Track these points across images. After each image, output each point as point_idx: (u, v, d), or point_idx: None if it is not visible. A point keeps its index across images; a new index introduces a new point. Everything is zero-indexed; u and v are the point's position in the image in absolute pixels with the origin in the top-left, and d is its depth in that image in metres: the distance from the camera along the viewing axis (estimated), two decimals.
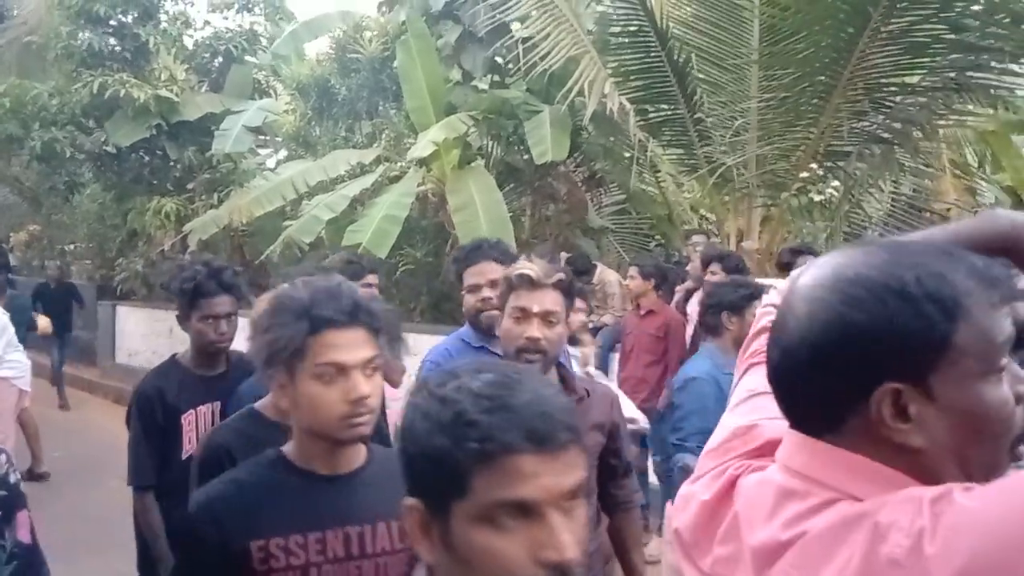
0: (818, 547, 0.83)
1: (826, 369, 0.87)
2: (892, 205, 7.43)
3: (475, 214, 7.48)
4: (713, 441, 1.11)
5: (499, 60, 8.40)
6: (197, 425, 2.66)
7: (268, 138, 11.75)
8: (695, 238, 6.47)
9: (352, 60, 10.00)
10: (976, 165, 9.10)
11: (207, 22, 12.19)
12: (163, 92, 10.59)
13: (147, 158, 11.53)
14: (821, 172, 6.67)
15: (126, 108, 10.43)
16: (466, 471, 0.89)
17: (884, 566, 0.78)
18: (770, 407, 1.02)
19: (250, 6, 12.18)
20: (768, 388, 0.99)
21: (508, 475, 0.89)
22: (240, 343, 2.22)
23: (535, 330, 2.05)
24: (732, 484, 0.99)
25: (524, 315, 2.07)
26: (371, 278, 4.21)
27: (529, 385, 0.94)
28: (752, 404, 1.14)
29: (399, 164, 8.78)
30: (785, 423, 0.97)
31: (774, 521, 0.88)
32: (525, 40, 6.70)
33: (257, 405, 2.07)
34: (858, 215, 7.38)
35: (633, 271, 6.49)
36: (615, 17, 7.15)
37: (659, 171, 8.11)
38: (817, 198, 6.12)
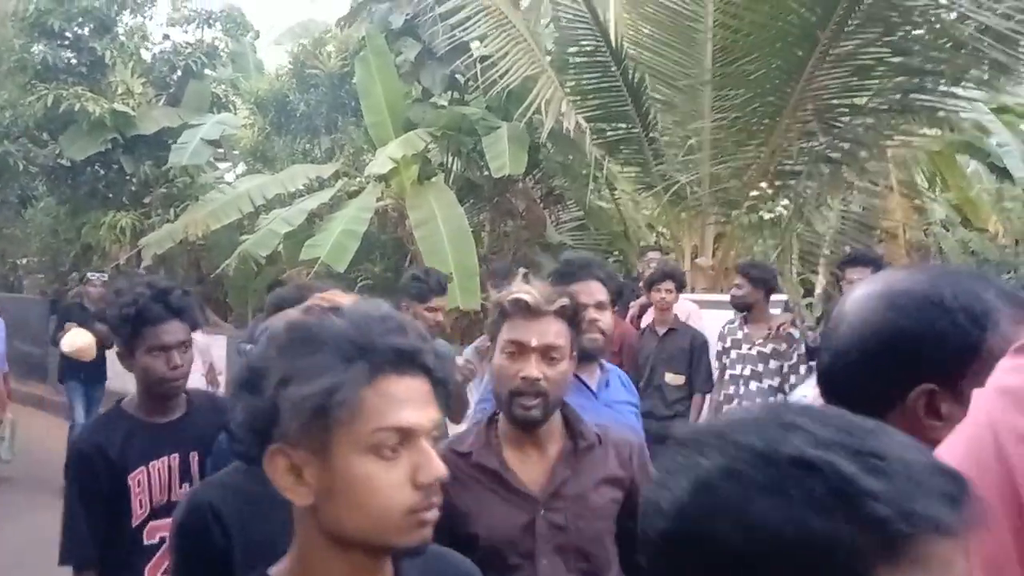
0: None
1: (873, 368, 0.98)
2: (842, 223, 7.59)
3: (436, 229, 7.51)
4: None
5: (458, 77, 8.46)
6: (150, 485, 2.19)
7: (225, 151, 11.67)
8: (650, 255, 6.56)
9: (311, 75, 9.99)
10: (925, 185, 9.35)
11: (166, 36, 12.10)
12: (119, 106, 10.47)
13: (102, 172, 11.36)
14: (771, 191, 6.80)
15: (81, 122, 10.30)
16: None
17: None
18: None
19: (210, 21, 12.12)
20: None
21: None
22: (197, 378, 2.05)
23: (533, 368, 1.67)
24: None
25: (520, 350, 1.69)
26: (438, 301, 3.36)
27: None
28: None
29: (358, 179, 8.79)
30: None
31: None
32: (484, 59, 6.76)
33: None
34: (808, 233, 7.53)
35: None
36: (572, 37, 7.26)
37: (615, 188, 8.22)
38: (767, 216, 6.25)
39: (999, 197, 10.94)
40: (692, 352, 5.03)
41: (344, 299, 1.42)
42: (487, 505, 1.68)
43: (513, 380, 1.69)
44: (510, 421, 1.71)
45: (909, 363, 0.96)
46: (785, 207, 7.35)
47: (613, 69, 6.99)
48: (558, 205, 9.90)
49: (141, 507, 2.20)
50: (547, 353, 1.70)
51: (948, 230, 10.66)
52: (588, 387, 2.37)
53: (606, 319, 2.37)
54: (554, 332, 1.72)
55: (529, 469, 1.71)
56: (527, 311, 1.73)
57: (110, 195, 11.28)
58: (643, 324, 5.93)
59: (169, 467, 2.22)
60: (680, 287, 5.26)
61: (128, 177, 11.24)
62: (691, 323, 5.32)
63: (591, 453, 1.76)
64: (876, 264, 4.57)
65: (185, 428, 2.25)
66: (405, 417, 0.93)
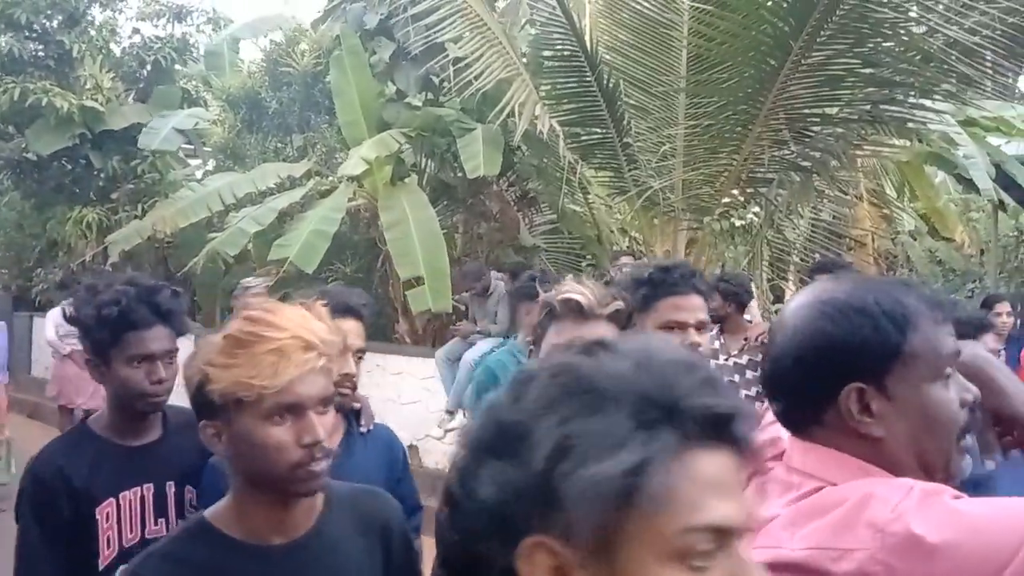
0: (808, 510, 1.01)
1: (806, 371, 1.07)
2: (812, 231, 7.66)
3: (407, 231, 7.47)
4: None
5: (433, 78, 8.43)
6: (120, 519, 1.86)
7: (195, 148, 11.54)
8: (622, 259, 6.58)
9: (284, 73, 9.91)
10: (894, 194, 9.48)
11: (136, 30, 11.94)
12: (88, 102, 10.32)
13: (69, 167, 11.19)
14: (743, 198, 6.86)
15: (48, 116, 10.13)
16: None
17: (862, 525, 0.93)
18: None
19: (182, 15, 11.97)
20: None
21: None
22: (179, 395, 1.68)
23: None
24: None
25: None
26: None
27: None
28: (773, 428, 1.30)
29: (330, 178, 8.71)
30: None
31: (775, 503, 1.07)
32: (458, 60, 6.73)
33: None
34: (779, 240, 7.59)
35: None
36: (547, 41, 7.25)
37: (589, 193, 8.23)
38: (739, 222, 6.29)
39: (965, 208, 11.16)
40: None
41: (281, 308, 1.29)
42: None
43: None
44: None
45: (838, 365, 1.05)
46: (756, 214, 7.42)
47: (588, 74, 6.98)
48: (532, 208, 9.90)
49: (109, 546, 1.85)
50: None
51: (916, 239, 10.83)
52: None
53: (707, 344, 2.11)
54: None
55: None
56: (578, 313, 1.58)
57: (77, 190, 11.13)
58: None
59: (142, 499, 1.90)
60: None
61: (96, 172, 11.08)
62: None
63: None
64: (843, 272, 4.64)
65: (162, 453, 1.92)
66: (724, 512, 0.67)
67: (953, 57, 5.74)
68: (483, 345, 6.66)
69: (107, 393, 1.92)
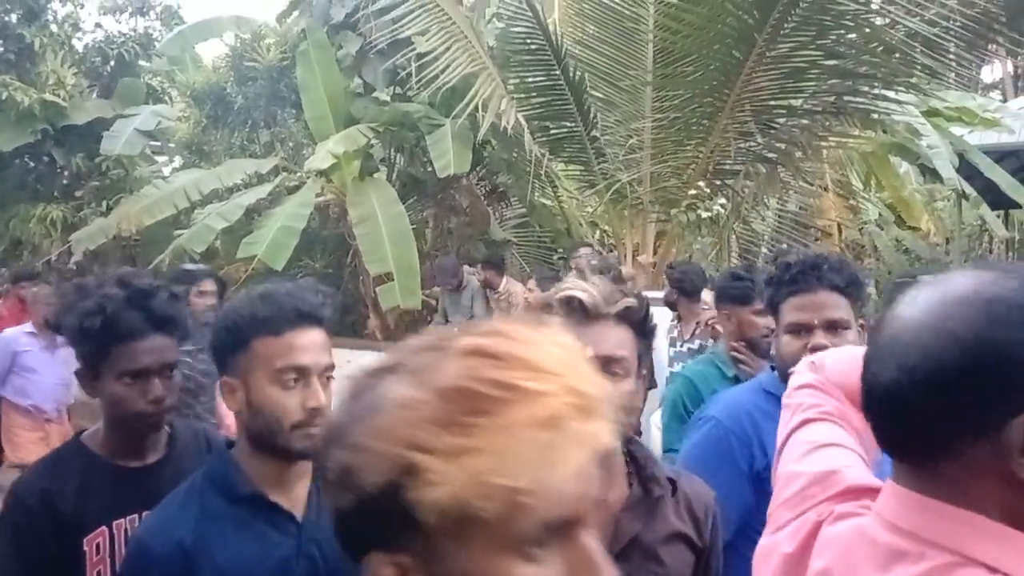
0: None
1: (954, 391, 0.78)
2: (778, 222, 7.73)
3: (376, 226, 7.42)
4: (787, 490, 1.03)
5: (400, 72, 8.38)
6: (113, 551, 1.61)
7: (161, 144, 11.38)
8: (581, 250, 6.63)
9: (249, 68, 9.79)
10: (860, 185, 9.58)
11: (98, 25, 11.74)
12: (50, 96, 10.14)
13: (32, 163, 10.99)
14: (710, 190, 6.89)
15: (9, 112, 9.94)
16: None
17: None
18: (842, 458, 1.01)
19: (144, 10, 11.79)
20: (837, 440, 1.01)
21: None
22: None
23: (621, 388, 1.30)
24: (815, 531, 0.93)
25: (603, 365, 1.28)
26: (206, 284, 3.86)
27: None
28: (822, 455, 1.07)
29: (298, 174, 8.64)
30: (864, 471, 0.96)
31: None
32: (424, 55, 6.70)
33: None
34: (746, 231, 7.66)
35: (531, 283, 6.59)
36: (514, 34, 7.24)
37: (558, 186, 8.25)
38: (706, 214, 6.34)
39: (930, 197, 11.30)
40: None
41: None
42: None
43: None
44: None
45: (1009, 388, 0.76)
46: (723, 206, 7.46)
47: (555, 68, 6.99)
48: (502, 202, 9.90)
49: None
50: (606, 367, 1.29)
51: (882, 229, 10.96)
52: None
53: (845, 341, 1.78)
54: (615, 341, 1.33)
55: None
56: (582, 313, 1.34)
57: (40, 188, 10.92)
58: None
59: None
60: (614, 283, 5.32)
61: (59, 169, 10.90)
62: None
63: (662, 503, 1.39)
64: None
65: (164, 476, 1.64)
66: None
67: (916, 49, 5.82)
68: None
69: (102, 410, 1.68)
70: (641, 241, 7.12)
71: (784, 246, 8.11)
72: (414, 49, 7.12)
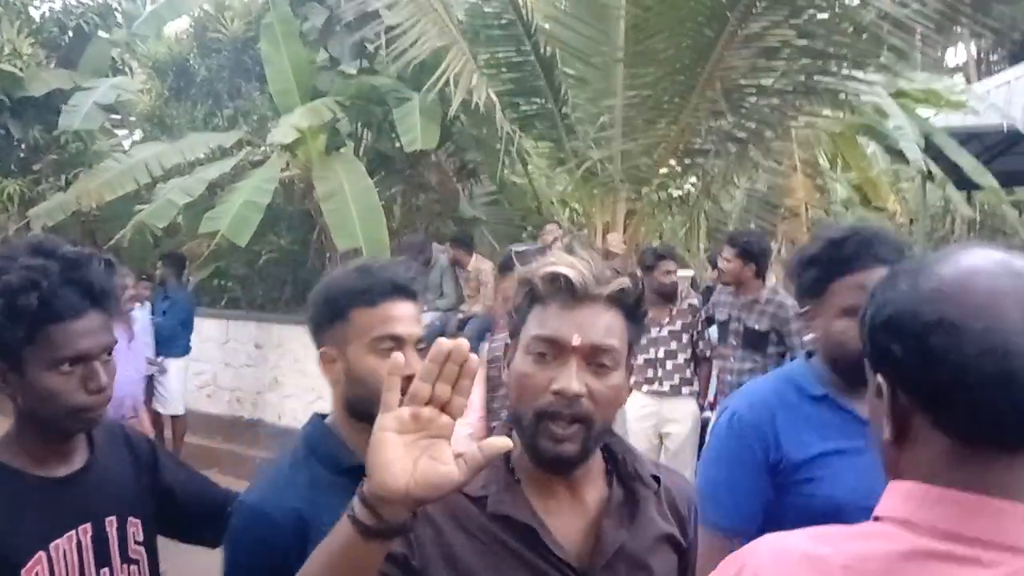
0: None
1: None
2: (747, 201, 7.76)
3: (344, 202, 7.31)
4: None
5: (368, 46, 8.23)
6: None
7: (122, 117, 11.10)
8: (547, 227, 6.61)
9: (213, 40, 9.55)
10: (827, 165, 9.65)
11: None
12: (6, 66, 9.82)
13: None
14: (680, 169, 6.88)
15: None
16: None
17: None
18: None
19: None
20: None
21: None
22: None
23: (573, 378, 1.14)
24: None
25: (555, 351, 1.16)
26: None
27: None
28: None
29: (262, 148, 8.48)
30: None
31: None
32: (392, 28, 6.57)
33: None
34: (715, 210, 7.67)
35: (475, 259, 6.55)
36: (484, 8, 7.13)
37: (528, 164, 8.19)
38: (676, 193, 6.32)
39: (896, 178, 11.42)
40: None
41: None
42: (502, 571, 1.15)
43: (543, 395, 1.14)
44: (533, 457, 1.17)
45: None
46: (693, 185, 7.47)
47: (526, 43, 6.91)
48: (472, 179, 9.82)
49: None
50: (594, 357, 1.15)
51: (848, 209, 11.07)
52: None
53: None
54: (604, 326, 1.17)
55: (564, 524, 1.18)
56: (569, 294, 1.17)
57: None
58: None
59: (79, 545, 1.42)
60: None
61: (16, 142, 10.59)
62: None
63: (646, 503, 1.26)
64: (743, 248, 4.80)
65: (95, 482, 1.46)
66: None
67: (885, 29, 5.82)
68: (424, 317, 6.60)
69: (17, 410, 1.41)
70: (611, 220, 7.08)
71: (752, 226, 8.15)
72: (382, 22, 6.99)
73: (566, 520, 1.18)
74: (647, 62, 6.53)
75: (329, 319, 1.49)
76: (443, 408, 0.98)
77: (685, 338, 5.14)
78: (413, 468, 0.95)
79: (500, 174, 8.11)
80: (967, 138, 9.26)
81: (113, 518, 1.48)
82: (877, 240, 1.69)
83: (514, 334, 1.22)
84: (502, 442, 0.98)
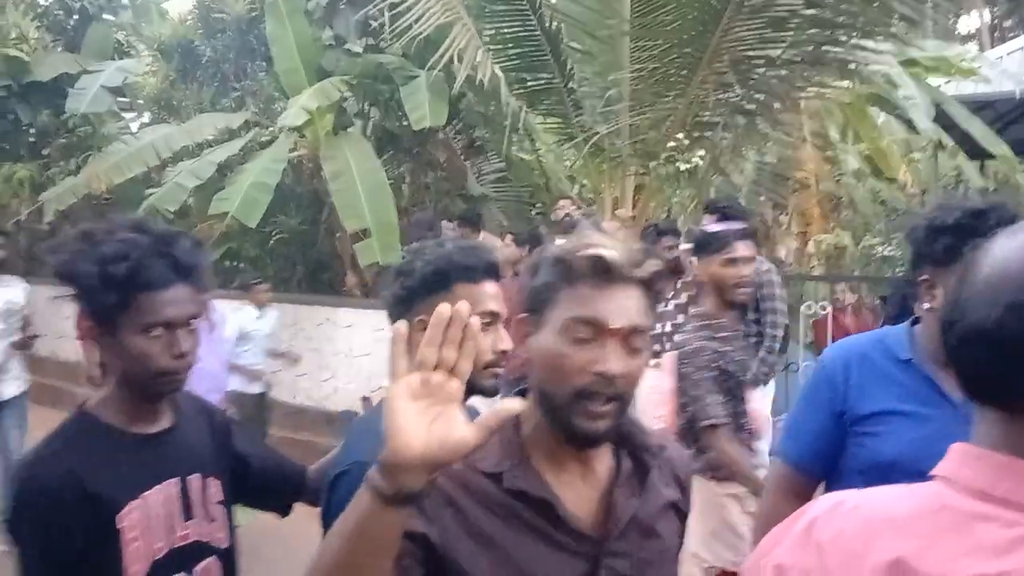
0: None
1: None
2: (756, 174, 7.70)
3: (352, 182, 7.32)
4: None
5: (372, 23, 8.19)
6: (150, 527, 1.51)
7: (129, 100, 11.12)
8: (561, 202, 6.60)
9: (217, 20, 9.53)
10: (837, 136, 9.55)
11: None
12: (12, 51, 9.85)
13: None
14: (688, 142, 6.83)
15: None
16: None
17: None
18: None
19: None
20: None
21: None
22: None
23: (613, 360, 1.17)
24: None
25: (595, 333, 1.17)
26: None
27: None
28: None
29: (269, 129, 8.47)
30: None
31: (970, 554, 0.74)
32: (396, 4, 6.53)
33: None
34: (724, 183, 7.62)
35: (508, 239, 6.53)
36: None
37: (536, 140, 8.15)
38: (684, 167, 6.28)
39: (907, 148, 11.31)
40: None
41: None
42: (531, 551, 1.17)
43: (581, 376, 1.16)
44: (563, 433, 1.20)
45: None
46: (702, 158, 7.42)
47: (531, 17, 6.86)
48: (479, 157, 9.79)
49: (135, 562, 1.48)
50: (630, 338, 1.18)
51: (859, 180, 10.98)
52: None
53: None
54: (638, 308, 1.19)
55: (577, 497, 1.22)
56: (606, 275, 1.18)
57: (6, 146, 10.69)
58: None
59: (168, 498, 1.55)
60: None
61: (25, 127, 10.65)
62: None
63: (653, 473, 1.30)
64: (723, 215, 4.73)
65: (180, 441, 1.61)
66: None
67: None
68: None
69: (111, 371, 1.55)
70: (620, 195, 7.06)
71: (762, 199, 8.11)
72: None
73: (578, 491, 1.22)
74: (654, 34, 6.47)
75: (430, 290, 1.53)
76: (451, 372, 1.01)
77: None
78: (427, 433, 0.98)
79: (507, 151, 8.08)
80: (979, 107, 9.14)
81: (196, 476, 1.62)
82: (1016, 217, 1.67)
83: (533, 310, 1.23)
84: (514, 404, 1.02)
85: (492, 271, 1.59)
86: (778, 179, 7.86)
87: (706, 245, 3.00)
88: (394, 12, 6.58)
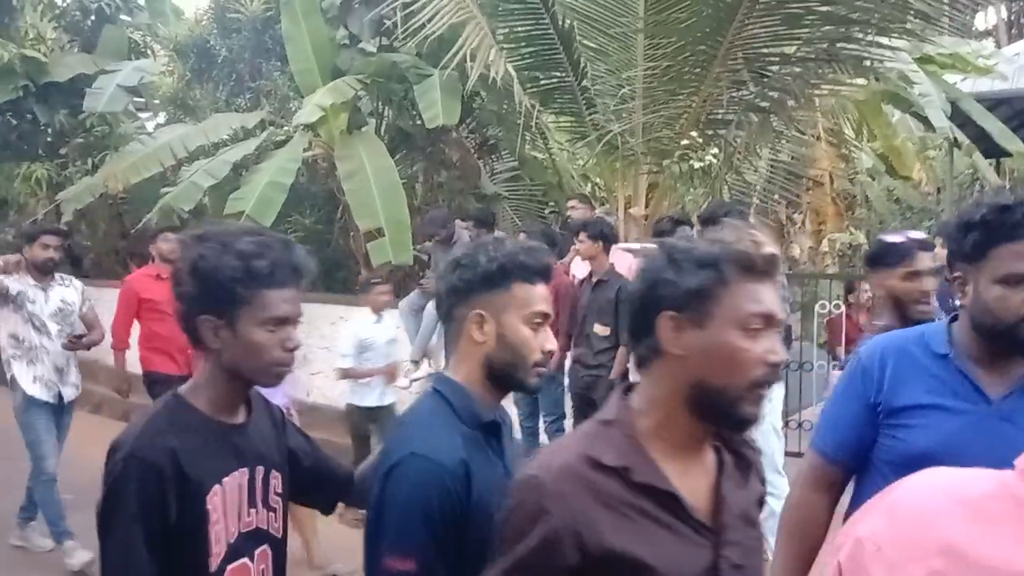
0: None
1: None
2: (770, 172, 7.68)
3: (366, 181, 7.34)
4: None
5: (386, 22, 8.22)
6: (226, 510, 1.62)
7: (146, 100, 11.20)
8: (571, 202, 6.61)
9: (232, 20, 9.58)
10: (852, 134, 9.51)
11: None
12: (30, 52, 9.94)
13: (15, 121, 10.83)
14: (702, 140, 6.81)
15: None
16: None
17: None
18: None
19: None
20: None
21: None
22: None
23: (782, 350, 1.27)
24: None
25: (767, 324, 1.25)
26: (49, 239, 4.67)
27: None
28: None
29: (284, 128, 8.52)
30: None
31: None
32: (409, 4, 6.55)
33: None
34: (738, 181, 7.60)
35: (521, 238, 6.55)
36: None
37: (549, 139, 8.16)
38: (698, 165, 6.27)
39: (922, 146, 11.24)
40: (618, 303, 5.08)
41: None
42: (659, 545, 1.22)
43: (758, 366, 1.24)
44: (728, 422, 1.28)
45: None
46: (715, 156, 7.40)
47: (544, 16, 6.87)
48: (492, 155, 9.81)
49: (217, 543, 1.58)
50: (775, 327, 1.27)
51: (874, 179, 10.93)
52: None
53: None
54: (777, 297, 1.30)
55: (690, 489, 1.28)
56: (771, 270, 1.26)
57: (24, 146, 10.79)
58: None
59: (240, 486, 1.65)
60: (596, 238, 5.30)
61: (42, 127, 10.74)
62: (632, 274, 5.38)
63: (753, 466, 1.40)
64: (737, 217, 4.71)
65: (251, 435, 1.71)
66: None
67: None
68: None
69: (217, 360, 1.63)
70: (633, 193, 7.06)
71: (776, 196, 8.08)
72: None
73: (691, 484, 1.28)
74: (667, 32, 6.46)
75: (489, 285, 1.59)
76: None
77: None
78: None
79: (521, 149, 8.09)
80: (996, 104, 9.08)
81: (262, 467, 1.71)
82: None
83: (690, 309, 1.25)
84: None
85: (547, 273, 1.65)
86: (792, 177, 7.84)
87: (884, 257, 2.78)
88: (407, 11, 6.60)
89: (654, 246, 1.34)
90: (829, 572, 0.96)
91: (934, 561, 0.79)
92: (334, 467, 1.92)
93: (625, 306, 1.40)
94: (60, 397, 4.84)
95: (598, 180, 8.49)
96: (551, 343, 1.62)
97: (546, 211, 9.66)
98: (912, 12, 6.01)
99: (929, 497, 0.87)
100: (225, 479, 1.61)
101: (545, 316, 1.61)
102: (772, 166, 7.70)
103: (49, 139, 10.82)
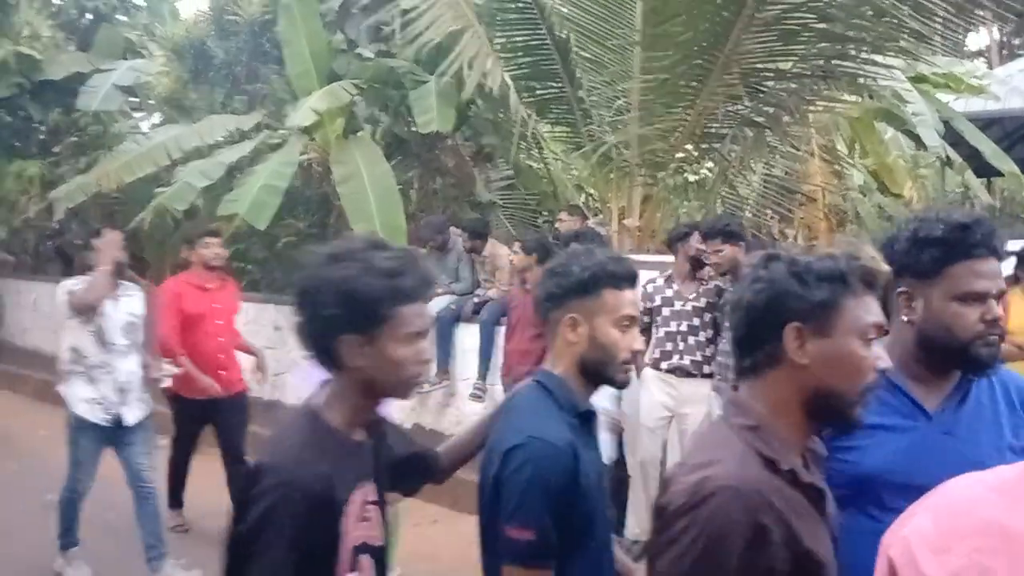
0: None
1: None
2: (764, 186, 7.72)
3: (361, 186, 7.33)
4: None
5: (384, 28, 8.23)
6: (351, 528, 1.64)
7: (141, 101, 11.18)
8: (561, 215, 6.62)
9: (230, 22, 9.57)
10: (845, 150, 9.57)
11: None
12: (25, 49, 9.92)
13: (8, 119, 10.80)
14: (697, 153, 6.84)
15: None
16: None
17: None
18: None
19: None
20: None
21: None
22: None
23: (884, 356, 1.41)
24: None
25: (877, 333, 1.40)
26: None
27: None
28: None
29: (280, 131, 8.50)
30: None
31: None
32: (408, 11, 6.57)
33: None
34: (732, 195, 7.64)
35: (516, 246, 6.56)
36: None
37: (544, 148, 8.18)
38: (692, 178, 6.30)
39: (914, 164, 11.32)
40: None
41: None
42: (823, 540, 1.36)
43: (871, 373, 1.37)
44: (841, 423, 1.42)
45: None
46: (710, 170, 7.44)
47: (541, 26, 6.90)
48: (488, 163, 9.81)
49: (346, 555, 1.61)
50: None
51: (865, 195, 10.98)
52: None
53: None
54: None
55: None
56: (878, 283, 1.43)
57: (17, 143, 10.76)
58: None
59: (365, 498, 1.66)
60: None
61: (36, 125, 10.71)
62: None
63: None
64: (736, 235, 4.79)
65: (374, 452, 1.72)
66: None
67: (905, 12, 5.77)
68: (440, 300, 6.68)
69: (354, 378, 1.61)
70: (627, 205, 7.08)
71: (768, 212, 8.12)
72: (397, 4, 6.99)
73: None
74: (664, 45, 6.49)
75: (581, 291, 1.77)
76: None
77: (707, 317, 5.14)
78: None
79: (516, 158, 8.10)
80: (988, 123, 9.17)
81: (376, 484, 1.72)
82: (996, 233, 1.71)
83: (815, 320, 1.35)
84: None
85: (634, 280, 1.83)
86: (785, 192, 7.88)
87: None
88: (406, 18, 6.62)
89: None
90: (876, 571, 1.01)
91: (975, 540, 0.86)
92: (421, 452, 1.99)
93: (737, 316, 1.43)
94: (119, 420, 4.37)
95: (592, 191, 8.51)
96: (638, 343, 1.81)
97: (540, 220, 9.67)
98: (906, 31, 6.06)
99: (967, 487, 0.94)
100: (354, 494, 1.62)
101: (632, 319, 1.79)
102: (766, 181, 7.74)
103: (42, 137, 10.80)
